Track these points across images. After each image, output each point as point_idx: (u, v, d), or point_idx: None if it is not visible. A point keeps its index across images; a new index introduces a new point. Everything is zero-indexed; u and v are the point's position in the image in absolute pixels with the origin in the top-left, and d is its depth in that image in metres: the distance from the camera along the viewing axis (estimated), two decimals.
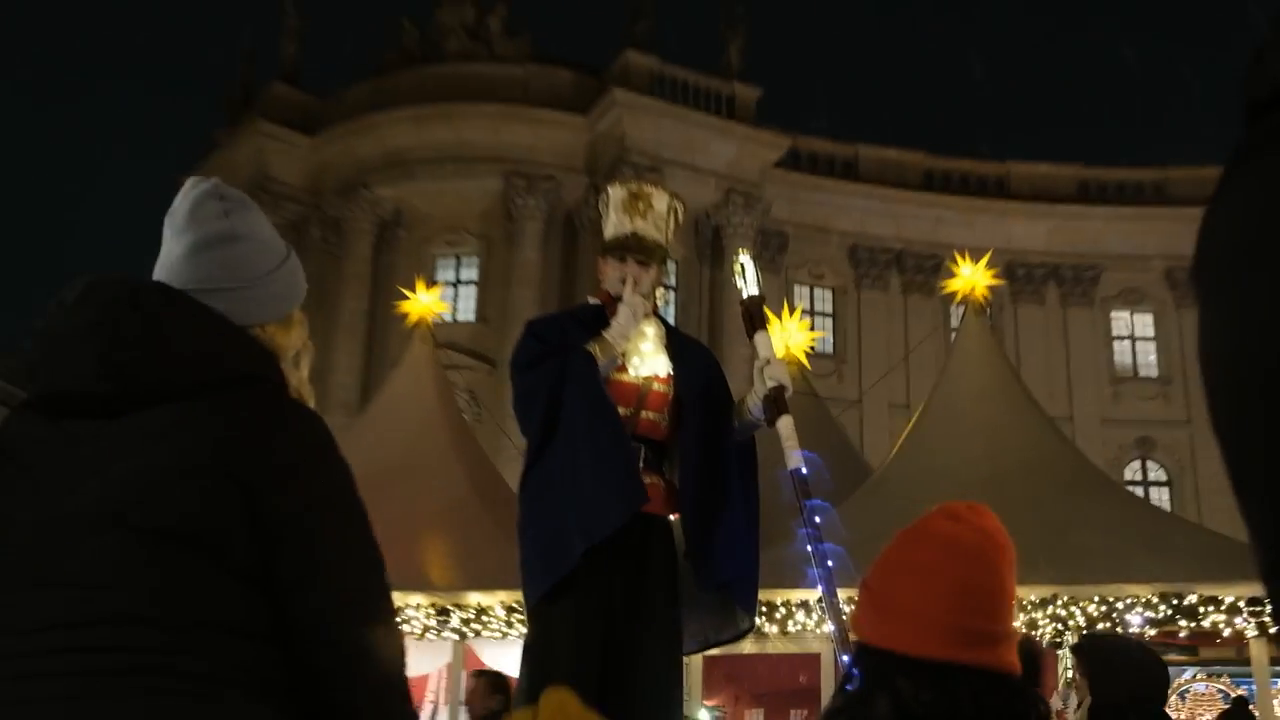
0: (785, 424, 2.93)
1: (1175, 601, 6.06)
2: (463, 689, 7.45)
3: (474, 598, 7.64)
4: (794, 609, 6.38)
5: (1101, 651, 3.25)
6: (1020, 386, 8.38)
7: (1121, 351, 26.47)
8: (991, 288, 8.43)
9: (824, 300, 25.79)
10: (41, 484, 1.22)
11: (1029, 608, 6.23)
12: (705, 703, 7.86)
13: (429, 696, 9.02)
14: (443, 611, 7.73)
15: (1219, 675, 7.72)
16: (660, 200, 3.14)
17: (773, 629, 6.50)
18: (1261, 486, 0.85)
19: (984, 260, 8.21)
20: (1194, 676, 7.78)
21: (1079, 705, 3.44)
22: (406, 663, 1.34)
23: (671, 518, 2.97)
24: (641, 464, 2.92)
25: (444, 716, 8.60)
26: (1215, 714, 6.64)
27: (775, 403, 2.93)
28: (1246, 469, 0.86)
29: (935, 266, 23.76)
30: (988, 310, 8.56)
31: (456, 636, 8.00)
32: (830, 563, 2.77)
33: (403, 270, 20.73)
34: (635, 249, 3.06)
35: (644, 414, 2.99)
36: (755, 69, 25.63)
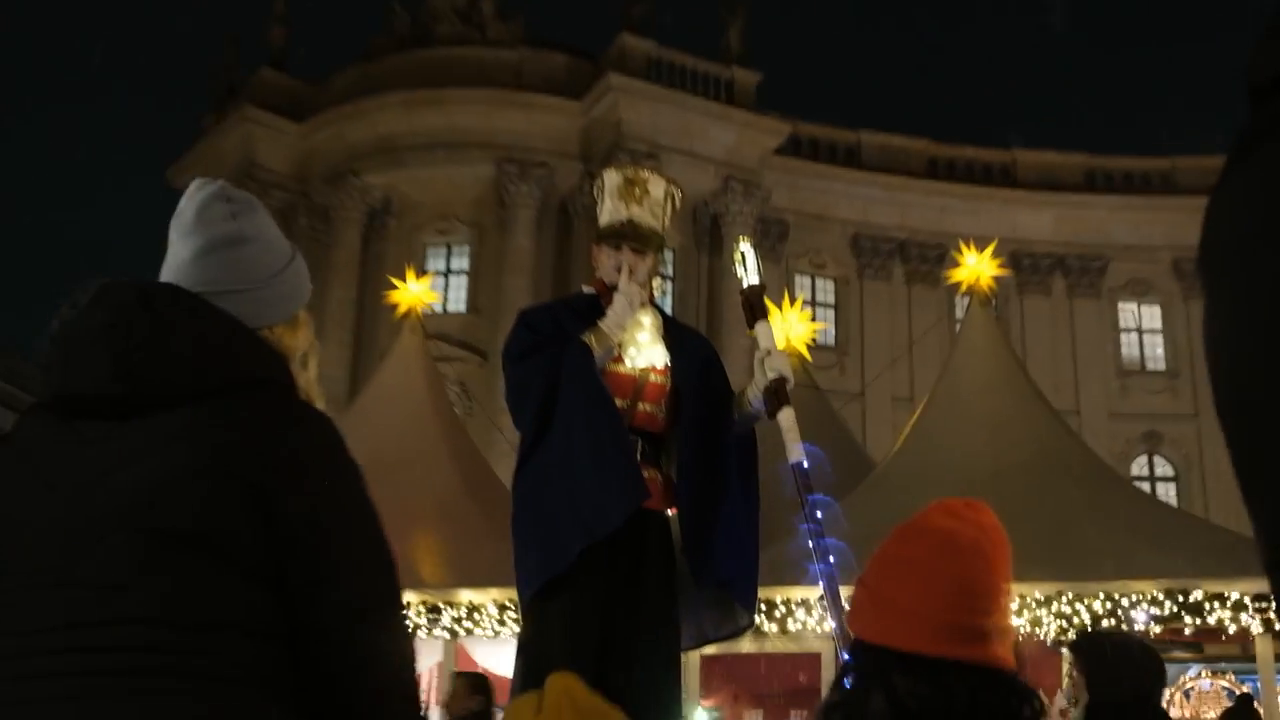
0: (786, 416, 2.92)
1: (1181, 598, 6.09)
2: None
3: (465, 595, 7.64)
4: (794, 607, 6.39)
5: (1099, 649, 3.28)
6: (1026, 379, 8.39)
7: (1129, 344, 26.52)
8: (997, 278, 8.44)
9: (825, 291, 25.78)
10: (55, 485, 1.24)
11: (1033, 605, 6.24)
12: (703, 703, 7.87)
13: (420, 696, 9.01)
14: (434, 609, 7.73)
15: (1224, 672, 7.74)
16: (657, 186, 3.12)
17: (772, 627, 6.51)
18: (1267, 474, 0.85)
19: (989, 250, 8.21)
20: (1199, 674, 7.81)
21: (1076, 703, 3.49)
22: (416, 664, 1.36)
23: (669, 512, 2.96)
24: (639, 457, 2.91)
25: (435, 716, 8.62)
26: (1220, 711, 6.65)
27: (776, 395, 2.92)
28: (1251, 456, 0.86)
29: (939, 256, 23.76)
30: (993, 301, 8.57)
31: (448, 635, 8.00)
32: (832, 559, 2.76)
33: (392, 259, 20.69)
34: (631, 237, 3.04)
35: (641, 406, 2.98)
36: (755, 53, 25.54)
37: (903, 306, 25.58)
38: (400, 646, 1.33)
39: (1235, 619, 6.06)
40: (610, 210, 3.10)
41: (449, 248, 24.12)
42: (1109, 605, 6.16)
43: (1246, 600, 5.94)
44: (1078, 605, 6.25)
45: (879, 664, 1.50)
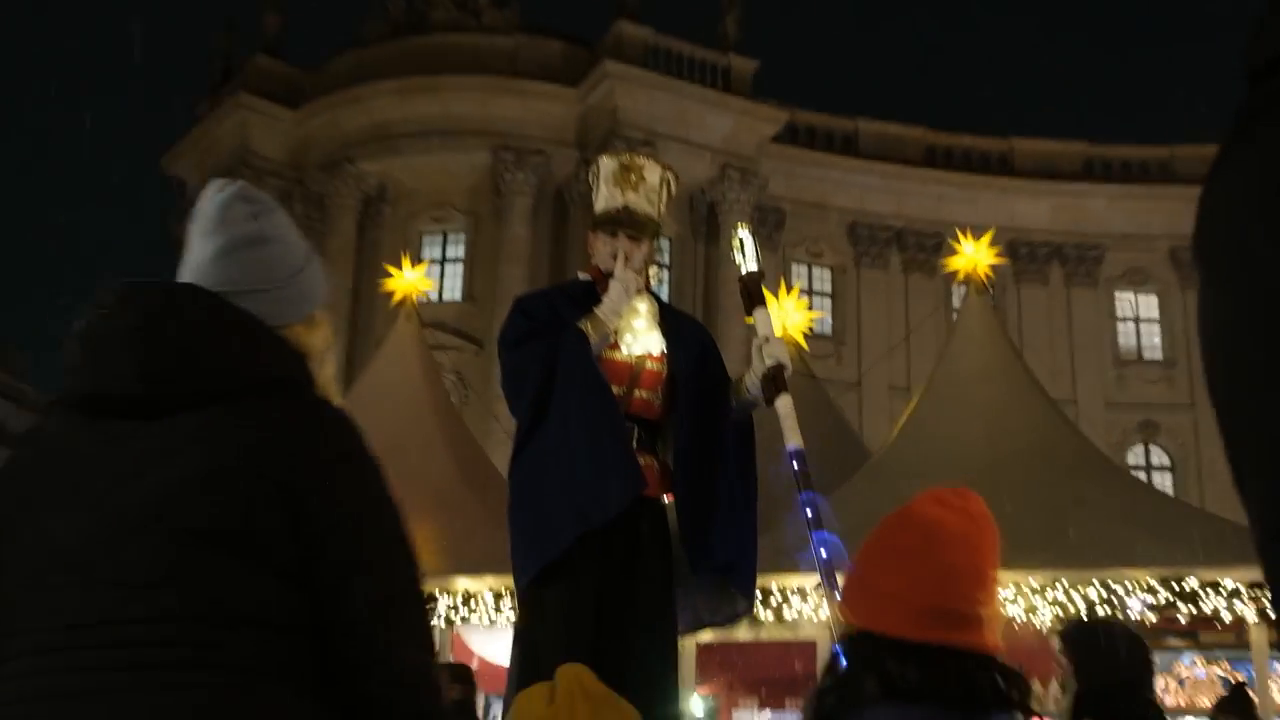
0: (784, 403, 2.92)
1: (1176, 586, 6.12)
2: None
3: (461, 583, 7.65)
4: (790, 595, 6.41)
5: (1086, 637, 3.33)
6: (1022, 368, 8.40)
7: (1125, 333, 26.57)
8: (994, 267, 8.43)
9: (822, 279, 25.78)
10: (81, 484, 1.26)
11: (1029, 593, 6.27)
12: (699, 692, 7.90)
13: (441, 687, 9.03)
14: (429, 597, 7.75)
15: (1218, 660, 7.78)
16: (652, 173, 3.11)
17: (768, 615, 6.53)
18: (1260, 455, 0.85)
19: (986, 238, 8.20)
20: (1193, 661, 7.85)
21: (1065, 690, 3.54)
22: (437, 656, 1.42)
23: (665, 499, 2.96)
24: (635, 444, 2.91)
25: None
26: (1214, 699, 6.68)
27: (774, 381, 2.92)
28: (1246, 442, 0.86)
29: (937, 245, 23.74)
30: (990, 290, 8.57)
31: (444, 623, 8.02)
32: (827, 548, 2.77)
33: (388, 247, 20.68)
34: (627, 223, 3.04)
35: (637, 393, 2.97)
36: (752, 41, 25.51)
37: (899, 295, 25.58)
38: (423, 639, 1.37)
39: (1230, 607, 6.09)
40: (606, 197, 3.09)
41: (445, 236, 24.07)
42: (1104, 593, 6.19)
43: (1241, 588, 5.98)
44: (1073, 593, 6.28)
45: (871, 649, 1.54)
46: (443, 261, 23.41)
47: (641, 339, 3.03)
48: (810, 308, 10.57)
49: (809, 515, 2.82)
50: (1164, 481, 24.15)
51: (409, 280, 9.81)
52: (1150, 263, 26.02)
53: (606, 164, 3.15)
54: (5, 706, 1.21)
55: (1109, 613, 6.17)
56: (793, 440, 2.90)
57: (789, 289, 9.75)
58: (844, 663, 1.63)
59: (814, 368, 10.48)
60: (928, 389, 8.42)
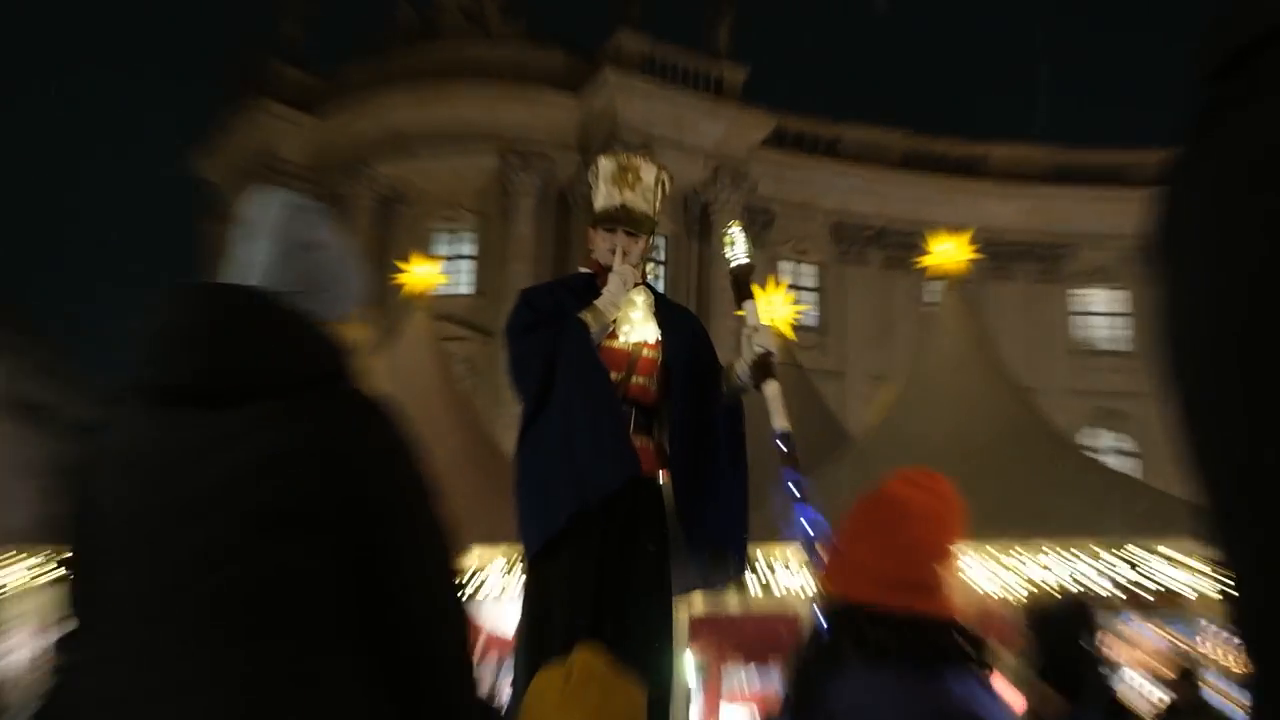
0: (772, 389, 2.93)
1: (1123, 553, 6.17)
2: None
3: (469, 557, 7.65)
4: (775, 566, 6.42)
5: (1045, 613, 3.44)
6: (993, 359, 8.40)
7: (1089, 326, 26.61)
8: (969, 262, 8.41)
9: (808, 275, 25.73)
10: (149, 469, 1.29)
11: (994, 562, 6.30)
12: (692, 653, 7.92)
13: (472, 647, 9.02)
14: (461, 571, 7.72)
15: (1165, 624, 7.82)
16: (648, 173, 3.11)
17: (755, 587, 6.54)
18: (1210, 441, 0.84)
19: (962, 236, 8.19)
20: (1136, 621, 7.90)
21: (1025, 658, 3.64)
22: (469, 621, 1.47)
23: (661, 476, 2.98)
24: (632, 426, 2.92)
25: None
26: (1153, 654, 6.73)
27: (762, 368, 2.94)
28: (1195, 415, 0.87)
29: (915, 243, 23.60)
30: (964, 285, 8.56)
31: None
32: (810, 522, 2.79)
33: (402, 245, 20.61)
34: (624, 220, 3.05)
35: (634, 379, 2.98)
36: (742, 50, 25.36)
37: (880, 290, 25.57)
38: (457, 605, 1.43)
39: (1176, 577, 6.14)
40: (605, 195, 3.10)
41: (456, 234, 24.02)
42: (1061, 560, 6.22)
43: (1187, 559, 6.03)
44: (1032, 564, 6.31)
45: (848, 615, 1.57)
46: (454, 258, 23.35)
47: (638, 328, 3.04)
48: (797, 302, 10.53)
49: (794, 492, 2.84)
50: (1123, 463, 24.20)
51: (421, 275, 9.79)
52: (1112, 261, 26.01)
53: (605, 165, 3.16)
54: (90, 665, 1.27)
55: (1066, 578, 6.22)
56: (780, 422, 2.91)
57: (777, 284, 9.73)
58: (824, 626, 1.65)
59: (800, 357, 10.49)
60: (904, 377, 8.44)
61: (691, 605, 6.48)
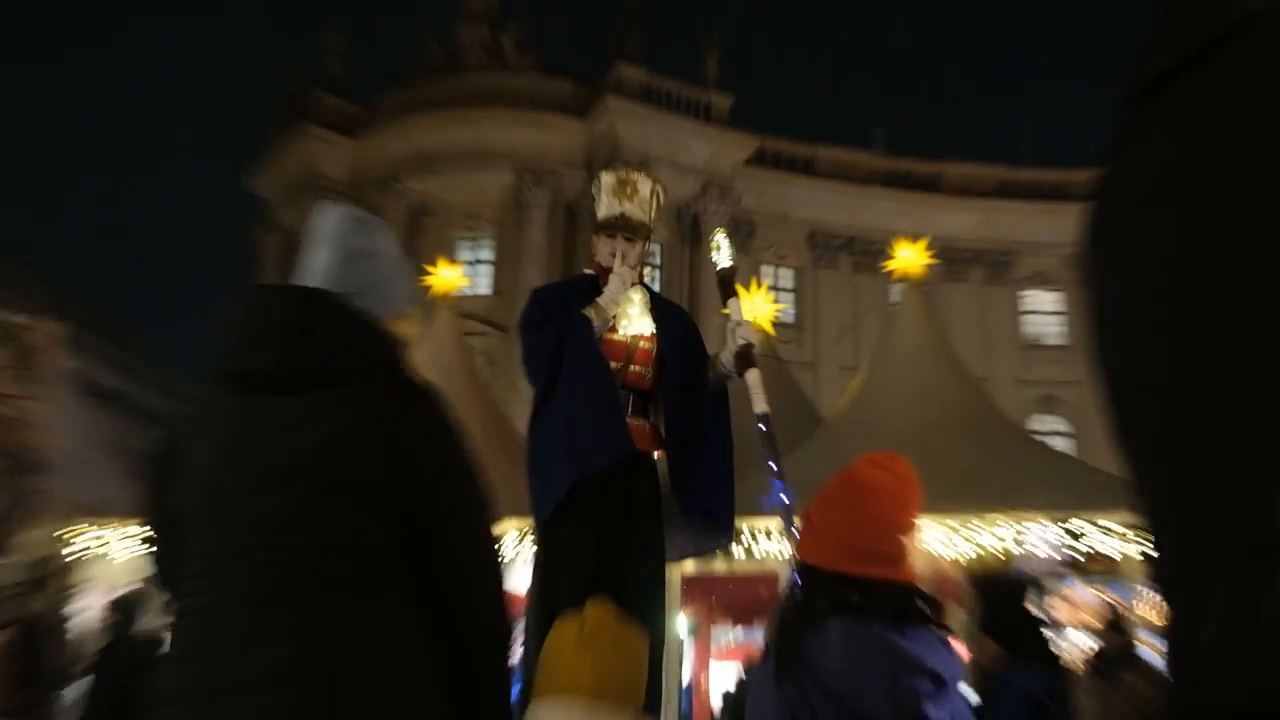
0: (753, 376, 2.92)
1: (1066, 525, 6.15)
2: None
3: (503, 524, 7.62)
4: (758, 534, 6.41)
5: (989, 577, 3.50)
6: (949, 351, 8.37)
7: (1032, 323, 26.60)
8: (927, 267, 8.39)
9: (786, 278, 25.72)
10: (237, 445, 1.33)
11: (950, 532, 6.29)
12: (684, 612, 7.92)
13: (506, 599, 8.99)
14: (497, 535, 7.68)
15: (1099, 585, 7.81)
16: (644, 185, 3.10)
17: (739, 552, 6.54)
18: (1132, 423, 0.84)
19: (921, 244, 8.16)
20: (1079, 585, 7.89)
21: (970, 615, 3.67)
22: (504, 578, 1.48)
23: (656, 455, 2.96)
24: (630, 409, 2.90)
25: None
26: (1092, 614, 6.72)
27: (745, 358, 2.92)
28: (1120, 396, 0.87)
29: (880, 250, 23.65)
30: (923, 287, 8.53)
31: None
32: (787, 496, 2.77)
33: (429, 252, 20.56)
34: (624, 227, 3.03)
35: (632, 367, 2.97)
36: (729, 78, 25.36)
37: (849, 292, 25.56)
38: (494, 563, 1.46)
39: (1108, 543, 6.14)
40: (606, 205, 3.08)
41: (476, 241, 23.99)
42: (1010, 532, 6.21)
43: (1120, 528, 6.02)
44: (984, 533, 6.30)
45: (820, 580, 1.57)
46: (475, 263, 23.31)
47: (635, 323, 3.02)
48: (776, 301, 10.52)
49: (773, 469, 2.82)
50: (1062, 444, 24.21)
51: (446, 278, 9.76)
52: (1053, 266, 26.00)
53: (607, 179, 3.14)
54: (182, 616, 1.31)
55: (1014, 547, 6.21)
56: (760, 405, 2.89)
57: (759, 286, 9.70)
58: (799, 590, 1.64)
59: (779, 350, 10.45)
60: (871, 368, 8.41)
61: (683, 567, 6.48)
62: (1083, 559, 6.59)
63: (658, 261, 22.64)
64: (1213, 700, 0.71)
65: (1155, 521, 0.80)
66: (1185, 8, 0.80)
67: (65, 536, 6.62)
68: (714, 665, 9.04)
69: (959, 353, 8.80)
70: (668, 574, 2.89)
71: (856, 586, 1.52)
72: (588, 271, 3.12)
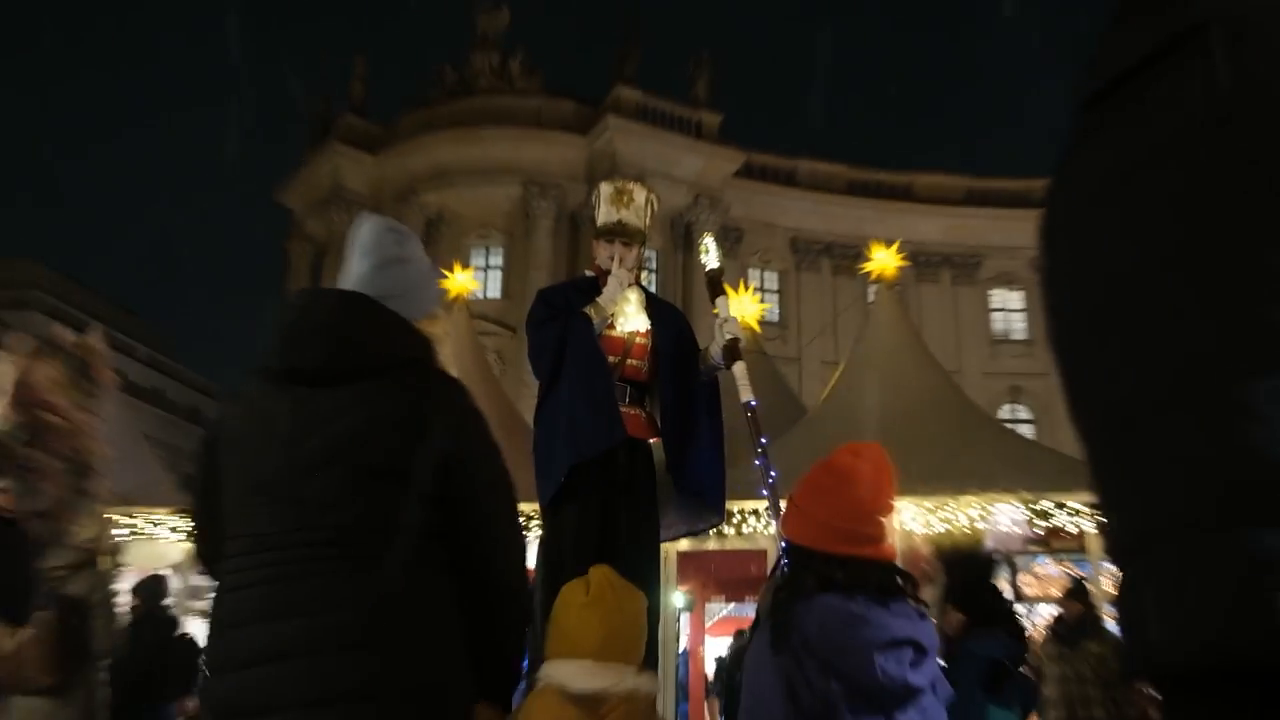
0: (739, 368, 2.91)
1: (1033, 506, 6.14)
2: None
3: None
4: (747, 515, 6.40)
5: (953, 552, 3.50)
6: (921, 346, 8.36)
7: (998, 320, 26.60)
8: (900, 269, 8.37)
9: (771, 281, 25.75)
10: (282, 433, 1.35)
11: (924, 513, 6.28)
12: (680, 588, 7.91)
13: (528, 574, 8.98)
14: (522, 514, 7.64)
15: (1064, 561, 7.80)
16: (640, 194, 3.09)
17: (730, 530, 6.53)
18: (1078, 404, 0.84)
19: (894, 248, 8.15)
20: (1046, 562, 7.88)
21: (935, 585, 3.67)
22: (527, 555, 1.50)
23: (652, 441, 2.94)
24: (627, 400, 2.89)
25: None
26: (1061, 590, 6.72)
27: (732, 351, 2.91)
28: (1076, 379, 0.86)
29: (857, 254, 23.55)
30: (897, 288, 8.51)
31: None
32: (774, 480, 2.75)
33: (444, 258, 20.53)
34: (621, 233, 3.01)
35: (629, 361, 2.95)
36: (718, 98, 25.35)
37: (829, 292, 25.58)
38: (517, 538, 1.48)
39: (1074, 522, 6.13)
40: (604, 213, 3.07)
41: (487, 249, 23.97)
42: (980, 513, 6.20)
43: (1082, 508, 6.01)
44: (957, 514, 6.29)
45: (806, 559, 1.58)
46: (486, 269, 23.29)
47: (632, 320, 3.00)
48: (762, 301, 10.51)
49: (761, 452, 2.80)
50: (1027, 431, 24.23)
51: (460, 282, 9.74)
52: (1017, 267, 25.98)
53: (605, 188, 3.13)
54: (225, 592, 1.33)
55: (984, 526, 6.20)
56: (746, 394, 2.88)
57: (746, 287, 9.69)
58: (788, 565, 1.63)
59: (765, 347, 10.43)
60: (849, 362, 8.39)
61: (679, 544, 6.46)
62: (1043, 535, 6.58)
63: (653, 267, 22.65)
64: (1160, 660, 0.72)
65: (1107, 496, 0.81)
66: (1136, 14, 0.79)
67: (113, 519, 6.60)
68: (709, 640, 9.04)
69: (931, 348, 8.78)
70: (665, 552, 2.87)
71: (841, 564, 1.53)
72: (588, 273, 3.11)
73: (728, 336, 2.90)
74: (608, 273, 2.96)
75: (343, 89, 26.49)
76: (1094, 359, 0.79)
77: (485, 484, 1.40)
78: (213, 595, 1.36)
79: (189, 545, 7.46)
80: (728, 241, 23.86)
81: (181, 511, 7.29)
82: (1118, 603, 0.79)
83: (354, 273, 1.51)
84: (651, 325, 3.01)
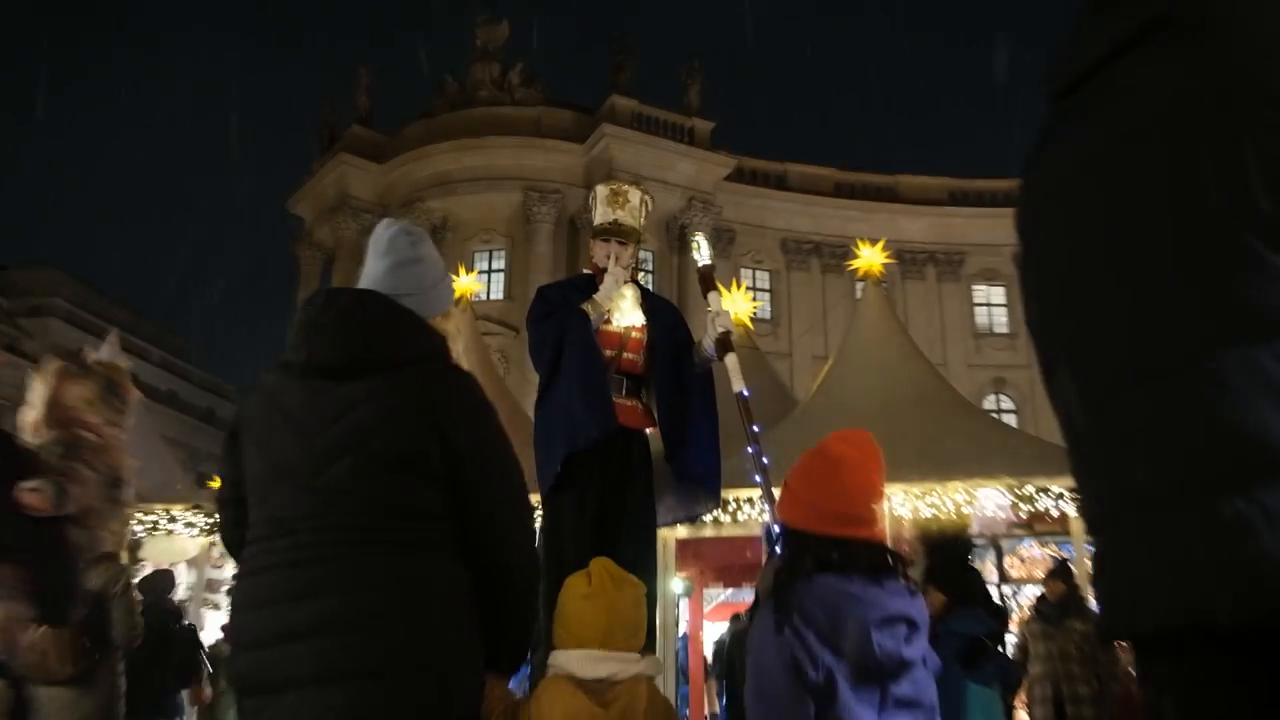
0: (731, 360, 2.90)
1: (1018, 491, 6.14)
2: None
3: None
4: (742, 503, 6.39)
5: (934, 535, 3.54)
6: (907, 340, 8.35)
7: (981, 315, 26.62)
8: (886, 267, 8.36)
9: (763, 279, 25.75)
10: (303, 423, 1.36)
11: (913, 498, 6.27)
12: (678, 575, 7.90)
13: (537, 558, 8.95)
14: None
15: (1047, 543, 7.80)
16: (634, 195, 3.10)
17: (726, 518, 6.52)
18: (1053, 386, 0.85)
19: (880, 246, 8.14)
20: (1031, 544, 7.87)
21: (915, 565, 3.68)
22: (534, 541, 1.53)
23: (648, 431, 2.93)
24: (624, 392, 2.89)
25: None
26: (1044, 571, 6.73)
27: (723, 344, 2.91)
28: (1051, 367, 0.87)
29: (845, 253, 23.58)
30: (883, 284, 8.50)
31: None
32: (764, 457, 2.75)
33: (449, 262, 20.46)
34: (617, 232, 3.01)
35: (625, 355, 2.95)
36: (709, 107, 25.36)
37: (819, 290, 25.60)
38: (526, 523, 1.48)
39: (1057, 505, 6.12)
40: (601, 214, 3.07)
41: (490, 253, 23.96)
42: (966, 497, 6.19)
43: (1064, 492, 6.00)
44: (944, 498, 6.28)
45: (800, 541, 1.59)
46: (489, 272, 23.28)
47: (628, 315, 3.00)
48: (754, 299, 10.50)
49: (752, 435, 2.79)
50: (1010, 419, 24.25)
51: (464, 284, 9.72)
52: (999, 264, 26.00)
53: (601, 190, 3.14)
54: (246, 576, 1.34)
55: (969, 510, 6.19)
56: (738, 384, 2.87)
57: (739, 286, 9.66)
58: (783, 547, 1.63)
59: (757, 342, 10.43)
60: (838, 356, 8.39)
61: (677, 531, 6.45)
62: (1027, 518, 6.58)
63: (649, 268, 22.65)
64: (1133, 623, 0.72)
65: (1081, 467, 0.81)
66: (1105, 7, 0.79)
67: (135, 516, 6.60)
68: (707, 625, 9.03)
69: (917, 341, 8.77)
70: (663, 538, 2.86)
71: (836, 546, 1.54)
72: (586, 271, 3.10)
73: (720, 330, 2.90)
74: (605, 271, 2.96)
75: (350, 100, 26.44)
76: (1069, 337, 0.79)
77: (496, 472, 1.41)
78: (234, 577, 1.39)
79: (204, 540, 7.45)
80: (720, 243, 23.86)
81: (196, 508, 7.28)
82: (1093, 568, 0.80)
83: (371, 273, 1.52)
84: (647, 320, 3.01)
